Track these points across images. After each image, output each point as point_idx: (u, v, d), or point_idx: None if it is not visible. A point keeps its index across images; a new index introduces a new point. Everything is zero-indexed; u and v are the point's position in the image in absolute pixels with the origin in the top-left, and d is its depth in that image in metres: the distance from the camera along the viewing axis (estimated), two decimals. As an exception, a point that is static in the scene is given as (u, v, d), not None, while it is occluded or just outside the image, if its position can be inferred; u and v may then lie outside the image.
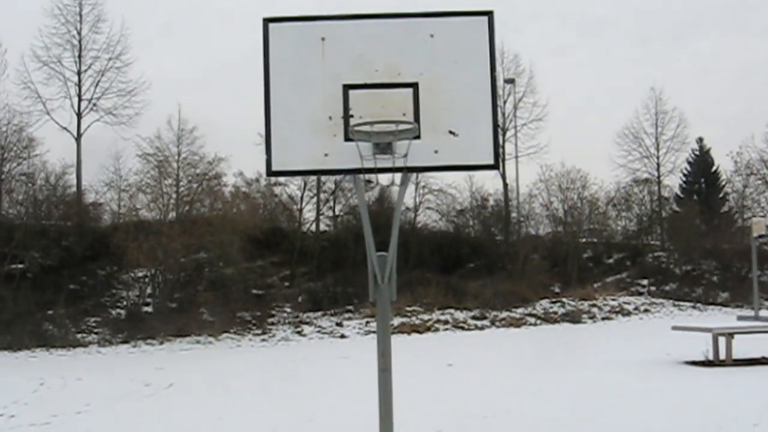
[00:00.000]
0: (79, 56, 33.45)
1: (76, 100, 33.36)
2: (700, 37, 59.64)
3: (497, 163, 6.18)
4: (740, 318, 22.21)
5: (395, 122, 5.81)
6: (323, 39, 6.22)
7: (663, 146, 44.19)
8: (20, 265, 27.80)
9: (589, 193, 41.23)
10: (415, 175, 35.82)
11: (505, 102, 40.63)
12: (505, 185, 40.07)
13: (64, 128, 32.87)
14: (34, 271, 28.09)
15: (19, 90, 32.02)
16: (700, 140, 47.44)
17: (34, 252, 28.66)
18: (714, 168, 47.36)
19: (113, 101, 33.58)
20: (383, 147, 6.00)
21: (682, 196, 46.96)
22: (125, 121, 33.48)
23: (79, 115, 33.27)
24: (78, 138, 33.00)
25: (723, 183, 46.38)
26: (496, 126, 6.14)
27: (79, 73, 33.46)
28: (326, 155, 6.08)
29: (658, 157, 44.22)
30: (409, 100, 6.08)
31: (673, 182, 46.26)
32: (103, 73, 33.49)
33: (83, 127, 33.29)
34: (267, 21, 6.24)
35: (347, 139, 6.01)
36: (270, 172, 6.12)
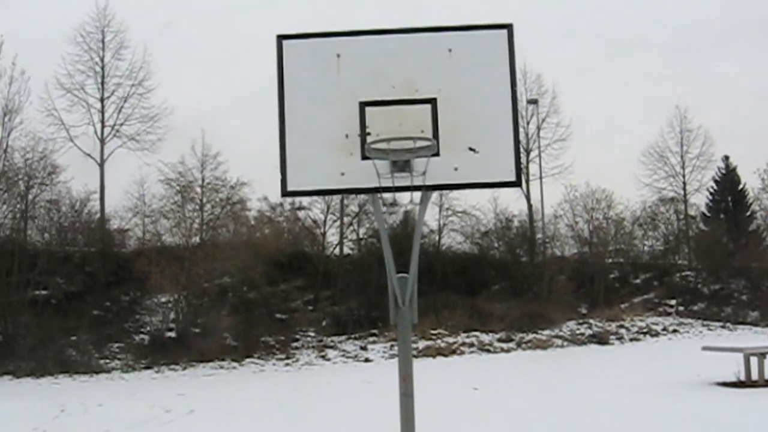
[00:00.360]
0: (102, 83, 33.68)
1: (99, 126, 33.57)
2: (724, 55, 59.09)
3: (519, 180, 5.98)
4: (772, 338, 21.73)
5: (413, 138, 5.64)
6: (339, 55, 6.08)
7: (689, 165, 43.74)
8: (44, 291, 27.83)
9: (614, 212, 40.84)
10: (438, 196, 35.73)
11: (528, 122, 40.41)
12: (530, 206, 39.77)
13: (88, 154, 33.03)
14: (58, 297, 28.12)
15: (43, 117, 32.23)
16: (726, 158, 46.89)
17: (58, 278, 28.70)
18: (741, 186, 46.76)
19: (136, 127, 33.76)
20: (401, 165, 5.83)
21: (708, 214, 46.39)
22: (148, 147, 33.61)
23: (102, 142, 33.45)
24: (101, 164, 33.15)
25: (750, 201, 45.79)
26: (517, 142, 5.96)
27: (102, 100, 33.67)
28: (343, 174, 5.92)
29: (684, 176, 43.76)
30: (427, 116, 5.92)
31: (699, 201, 45.72)
32: (126, 99, 33.69)
33: (106, 153, 33.45)
34: (281, 38, 6.12)
35: (364, 157, 5.85)
36: (285, 192, 5.97)
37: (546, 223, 40.62)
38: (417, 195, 6.08)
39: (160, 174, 30.95)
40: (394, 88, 5.99)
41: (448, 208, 38.39)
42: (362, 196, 28.23)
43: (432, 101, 5.94)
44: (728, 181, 47.30)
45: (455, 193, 36.04)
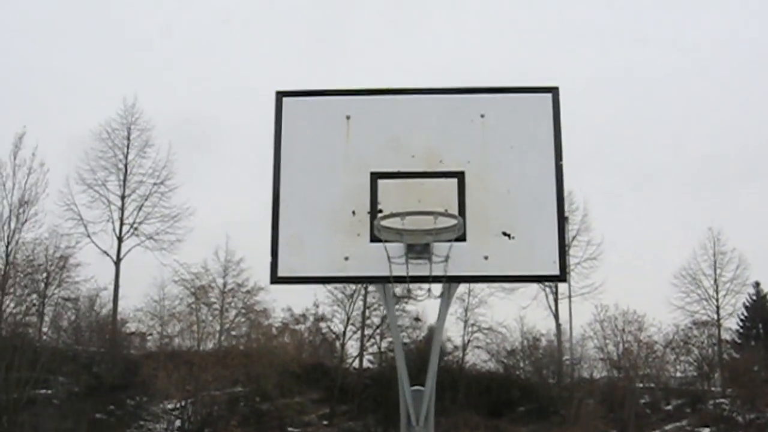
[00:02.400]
0: (124, 180, 33.18)
1: (117, 224, 32.89)
2: (753, 181, 58.36)
3: (563, 274, 4.85)
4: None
5: (434, 214, 4.57)
6: (348, 117, 5.07)
7: (722, 288, 42.27)
8: (46, 391, 26.58)
9: (646, 335, 39.27)
10: (463, 311, 34.52)
11: (558, 240, 39.39)
12: (558, 325, 38.31)
13: (104, 252, 32.27)
14: (60, 397, 26.83)
15: (62, 212, 31.62)
16: (756, 284, 45.44)
17: (62, 377, 27.48)
18: (773, 312, 45.16)
19: (155, 226, 33.04)
20: (419, 250, 4.75)
21: (739, 341, 44.70)
22: (166, 247, 32.79)
23: (120, 239, 32.71)
24: (117, 262, 32.34)
25: (782, 328, 44.14)
26: (562, 227, 4.86)
27: (122, 197, 33.11)
28: (347, 259, 4.83)
29: (717, 300, 42.26)
30: (452, 193, 4.87)
31: (734, 325, 44.14)
32: (147, 198, 33.10)
33: (123, 251, 32.68)
34: (280, 95, 5.14)
35: (374, 239, 4.78)
36: (275, 278, 4.87)
37: (574, 343, 39.19)
38: (437, 288, 4.97)
39: (175, 274, 30.09)
40: (413, 158, 4.96)
41: (473, 324, 37.04)
42: (381, 299, 27.03)
43: (459, 175, 4.90)
44: (759, 308, 45.78)
45: (482, 308, 34.88)
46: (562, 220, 4.86)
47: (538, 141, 4.99)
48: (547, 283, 33.58)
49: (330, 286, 30.46)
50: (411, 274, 4.68)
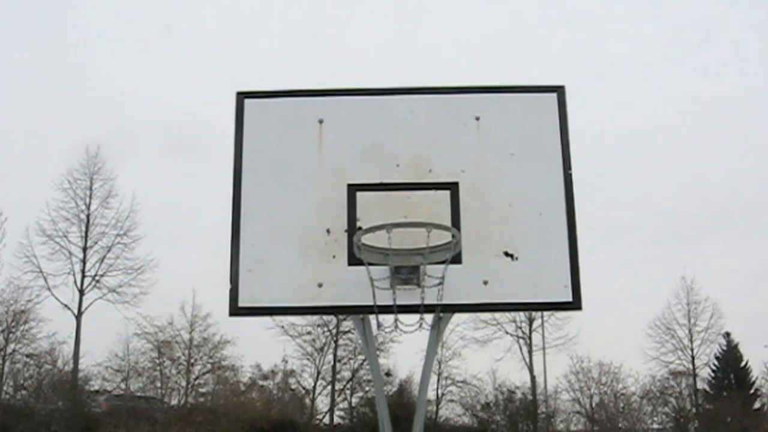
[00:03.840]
0: (86, 231, 32.17)
1: (79, 276, 31.80)
2: (719, 236, 58.72)
3: (577, 301, 4.10)
4: None
5: (426, 225, 3.82)
6: (321, 121, 4.34)
7: (697, 338, 41.89)
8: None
9: (621, 386, 38.62)
10: (436, 364, 33.61)
11: (531, 290, 38.92)
12: (533, 378, 37.51)
13: (65, 305, 31.13)
14: (14, 461, 25.45)
15: (21, 263, 30.46)
16: (727, 335, 45.13)
17: (17, 439, 26.11)
18: (743, 363, 44.85)
19: (118, 279, 31.97)
20: (406, 273, 4.00)
21: (711, 391, 44.26)
22: (129, 300, 31.70)
23: (81, 292, 31.60)
24: (78, 316, 31.19)
25: (753, 379, 43.78)
26: (574, 245, 4.12)
27: (84, 249, 32.03)
28: (320, 285, 4.06)
29: (692, 349, 41.86)
30: (444, 207, 4.14)
31: (708, 375, 43.73)
32: (110, 249, 32.09)
33: (84, 304, 31.55)
34: (242, 96, 4.39)
35: (352, 261, 4.02)
36: (235, 310, 4.07)
37: (549, 396, 38.44)
38: (427, 318, 4.18)
39: (138, 327, 29.00)
40: (398, 167, 4.23)
41: (447, 377, 36.15)
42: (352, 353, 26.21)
43: (452, 186, 4.17)
44: (731, 358, 45.46)
45: (455, 360, 34.09)
46: (573, 237, 4.13)
47: (542, 147, 4.29)
48: (521, 336, 33.07)
49: (300, 338, 29.56)
50: (398, 302, 3.91)
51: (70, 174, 32.39)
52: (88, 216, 32.29)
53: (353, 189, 4.15)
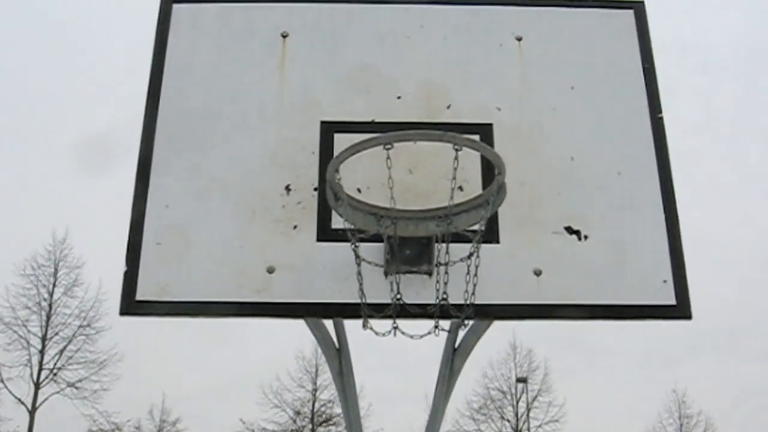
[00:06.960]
0: (47, 321, 30.56)
1: (36, 368, 30.02)
2: (704, 354, 58.14)
3: (685, 308, 2.56)
4: None
5: (445, 138, 2.32)
6: (285, 35, 2.89)
7: (691, 453, 40.47)
8: None
9: None
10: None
11: (517, 401, 37.29)
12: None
13: (19, 399, 29.23)
14: None
15: (-26, 353, 28.75)
16: (718, 450, 43.77)
17: None
18: (738, 480, 43.21)
19: (78, 373, 30.24)
20: (413, 253, 2.47)
21: None
22: (88, 396, 29.91)
23: (37, 386, 29.69)
24: (32, 411, 29.21)
25: (750, 497, 42.19)
26: (674, 220, 2.63)
27: (44, 339, 30.30)
28: (271, 270, 2.52)
29: (687, 468, 40.33)
30: (471, 160, 2.65)
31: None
32: (71, 341, 30.45)
33: (40, 399, 29.69)
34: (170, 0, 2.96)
35: (324, 235, 2.52)
36: (129, 305, 2.49)
37: None
38: (444, 325, 2.62)
39: (95, 425, 27.25)
40: (399, 99, 2.77)
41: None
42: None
43: (483, 129, 2.70)
44: (724, 478, 43.99)
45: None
46: (672, 208, 2.64)
47: (616, 80, 2.85)
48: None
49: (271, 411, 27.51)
50: (402, 301, 2.38)
51: (34, 259, 31.00)
52: (50, 304, 30.77)
53: (329, 128, 2.67)
